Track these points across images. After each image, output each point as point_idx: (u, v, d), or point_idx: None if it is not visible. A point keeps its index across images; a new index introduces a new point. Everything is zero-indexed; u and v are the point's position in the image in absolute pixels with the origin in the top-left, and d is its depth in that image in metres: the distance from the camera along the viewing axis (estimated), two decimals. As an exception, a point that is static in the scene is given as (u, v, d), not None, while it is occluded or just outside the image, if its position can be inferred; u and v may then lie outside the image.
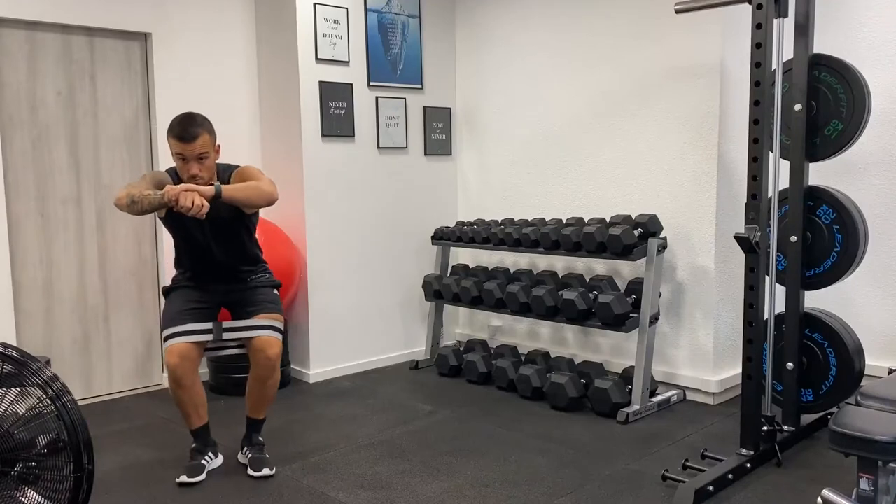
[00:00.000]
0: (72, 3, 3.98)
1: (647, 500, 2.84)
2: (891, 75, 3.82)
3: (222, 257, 3.17)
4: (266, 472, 3.13)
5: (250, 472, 3.15)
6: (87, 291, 4.22)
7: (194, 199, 2.75)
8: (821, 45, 3.31)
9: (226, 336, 3.16)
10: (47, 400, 2.16)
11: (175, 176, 3.07)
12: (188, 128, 2.93)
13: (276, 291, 3.34)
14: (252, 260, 3.28)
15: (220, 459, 3.27)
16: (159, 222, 4.34)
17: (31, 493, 2.17)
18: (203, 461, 3.16)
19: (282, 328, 3.20)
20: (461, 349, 4.69)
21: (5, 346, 2.22)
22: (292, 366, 4.60)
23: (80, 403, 2.30)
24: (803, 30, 3.19)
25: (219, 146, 3.08)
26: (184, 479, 3.07)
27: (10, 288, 3.90)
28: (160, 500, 2.94)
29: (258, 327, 3.13)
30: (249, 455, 3.23)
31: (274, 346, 3.11)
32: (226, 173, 3.12)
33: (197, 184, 2.89)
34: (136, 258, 4.38)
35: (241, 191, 2.94)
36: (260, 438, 3.30)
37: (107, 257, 4.28)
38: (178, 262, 3.28)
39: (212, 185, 2.88)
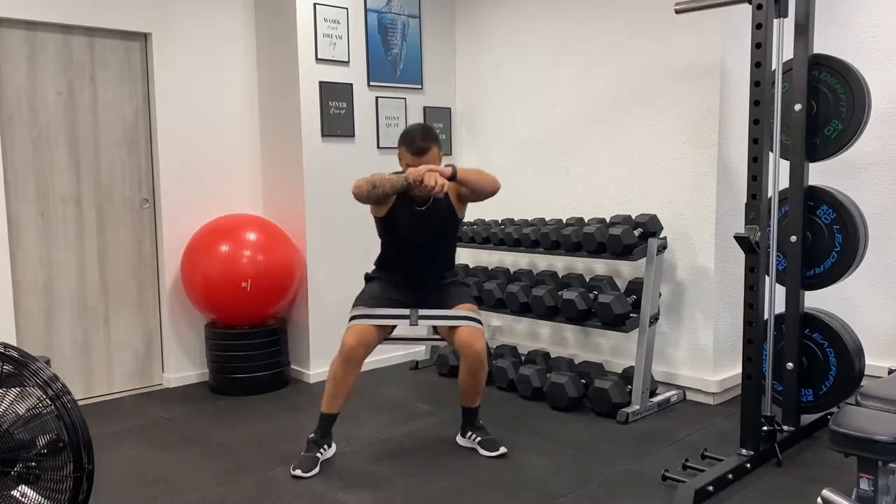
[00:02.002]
0: (72, 3, 3.98)
1: (647, 500, 2.84)
2: (891, 75, 3.82)
3: (429, 259, 3.33)
4: (502, 450, 3.26)
5: (484, 452, 3.28)
6: (87, 291, 4.22)
7: (437, 177, 2.97)
8: (821, 45, 3.31)
9: (422, 323, 3.27)
10: (47, 400, 2.15)
11: None
12: (422, 141, 3.15)
13: (468, 288, 3.54)
14: (450, 265, 3.46)
15: (332, 450, 3.32)
16: (159, 222, 4.38)
17: (31, 493, 2.17)
18: (318, 454, 3.22)
19: (480, 319, 3.29)
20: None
21: (5, 346, 2.22)
22: (292, 366, 4.60)
23: (80, 403, 2.30)
24: (803, 30, 3.19)
25: (441, 155, 3.25)
26: (298, 472, 3.11)
27: (10, 288, 3.90)
28: (160, 499, 2.94)
29: (460, 317, 3.23)
30: (478, 439, 3.34)
31: (480, 339, 3.20)
32: None
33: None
34: (136, 258, 4.38)
35: (472, 174, 3.17)
36: (480, 422, 3.41)
37: (107, 257, 4.28)
38: (381, 263, 3.43)
39: (449, 167, 3.07)
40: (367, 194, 3.07)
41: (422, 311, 3.25)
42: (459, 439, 3.42)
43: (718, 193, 3.84)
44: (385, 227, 3.30)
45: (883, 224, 3.87)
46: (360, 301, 3.28)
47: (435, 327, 3.39)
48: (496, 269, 4.61)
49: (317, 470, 3.15)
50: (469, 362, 3.21)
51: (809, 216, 3.30)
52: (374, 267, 3.46)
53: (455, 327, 3.21)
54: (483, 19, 4.92)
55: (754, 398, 3.10)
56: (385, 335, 3.28)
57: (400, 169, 3.22)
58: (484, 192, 3.20)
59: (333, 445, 3.33)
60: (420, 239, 3.26)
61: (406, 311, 3.24)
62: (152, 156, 4.40)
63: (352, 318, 3.21)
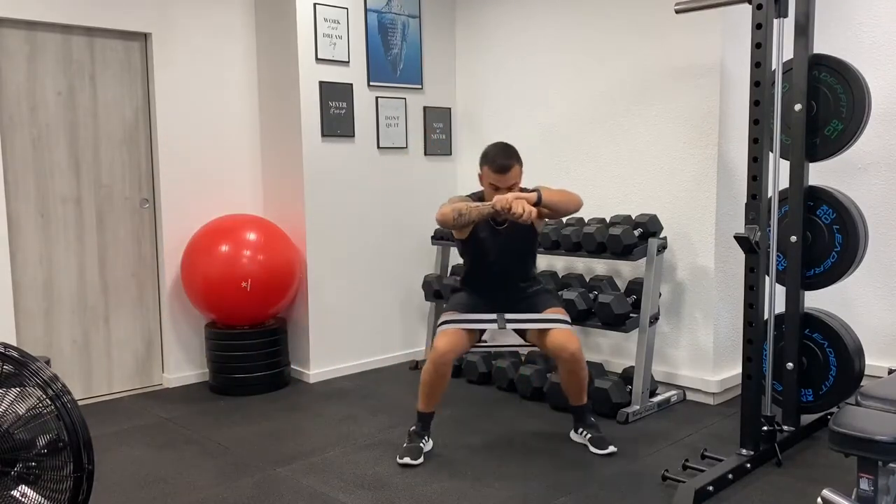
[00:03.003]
0: (72, 3, 3.98)
1: (647, 500, 2.84)
2: (891, 75, 3.82)
3: (511, 274, 3.41)
4: (611, 448, 3.28)
5: (593, 450, 3.30)
6: (87, 291, 4.22)
7: (524, 205, 3.02)
8: (821, 45, 3.31)
9: (510, 326, 3.31)
10: (47, 400, 2.15)
11: (479, 201, 3.29)
12: (505, 160, 3.21)
13: (553, 293, 3.62)
14: (531, 275, 3.53)
15: (430, 444, 3.37)
16: (159, 222, 4.38)
17: (31, 493, 2.17)
18: (421, 444, 3.30)
19: (570, 321, 3.36)
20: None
21: (5, 346, 2.22)
22: (292, 366, 4.60)
23: (80, 403, 2.30)
24: (803, 30, 3.19)
25: (522, 172, 3.30)
26: (407, 460, 3.21)
27: (10, 288, 3.90)
28: (160, 499, 2.94)
29: (550, 320, 3.28)
30: (588, 436, 3.36)
31: (573, 340, 3.24)
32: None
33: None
34: (136, 258, 4.38)
35: (556, 195, 3.22)
36: (592, 419, 3.44)
37: (107, 257, 4.28)
38: (465, 279, 3.53)
39: (534, 192, 3.13)
40: (454, 222, 3.16)
41: (509, 315, 3.31)
42: (572, 435, 3.46)
43: (718, 193, 3.84)
44: (467, 248, 3.40)
45: (883, 224, 3.87)
46: (450, 308, 3.40)
47: (524, 335, 3.42)
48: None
49: (421, 460, 3.23)
50: (566, 364, 3.26)
51: (809, 216, 3.30)
52: (459, 281, 3.59)
53: (545, 331, 3.26)
54: (483, 19, 4.92)
55: (754, 398, 3.10)
56: (474, 341, 3.36)
57: (480, 188, 3.34)
58: (567, 212, 3.30)
59: (431, 440, 3.39)
60: (501, 255, 3.35)
61: (493, 316, 3.31)
62: (152, 156, 4.40)
63: (441, 324, 3.29)
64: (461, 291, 3.52)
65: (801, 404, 3.40)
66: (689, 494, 2.73)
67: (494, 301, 3.38)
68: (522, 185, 3.30)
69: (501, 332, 3.38)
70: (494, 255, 3.34)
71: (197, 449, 3.48)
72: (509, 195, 3.09)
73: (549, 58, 4.54)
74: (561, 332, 3.24)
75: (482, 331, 3.38)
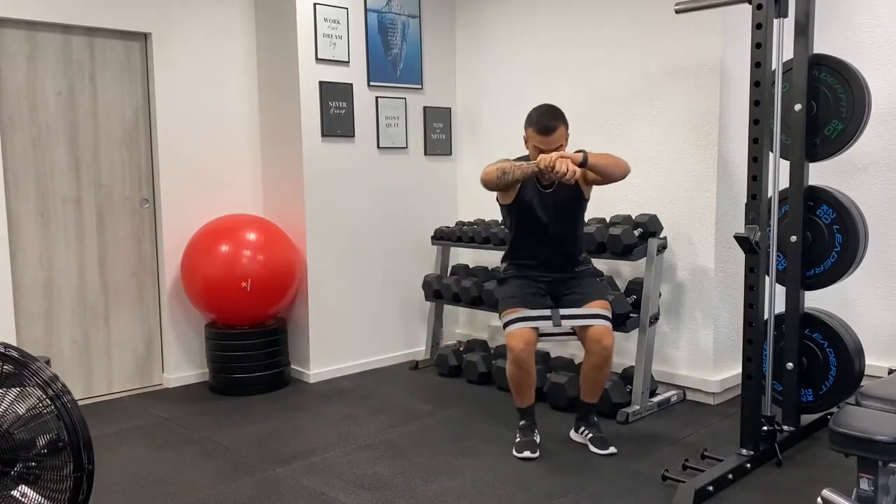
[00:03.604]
0: (72, 3, 3.98)
1: (647, 500, 2.84)
2: (891, 75, 3.81)
3: (559, 242, 3.35)
4: (612, 450, 3.27)
5: (594, 450, 3.29)
6: (87, 291, 4.22)
7: (568, 164, 2.99)
8: (821, 45, 3.31)
9: (564, 323, 3.30)
10: (47, 400, 2.15)
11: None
12: (549, 121, 3.19)
13: (601, 280, 3.58)
14: (580, 248, 3.48)
15: (539, 436, 3.38)
16: (159, 222, 4.38)
17: (31, 493, 2.17)
18: (535, 437, 3.32)
19: (611, 316, 3.34)
20: (461, 349, 4.69)
21: (5, 346, 2.22)
22: (292, 366, 4.60)
23: (80, 403, 2.30)
24: (803, 30, 3.19)
25: (568, 134, 3.27)
26: (527, 454, 3.24)
27: (10, 288, 3.90)
28: (160, 499, 2.94)
29: (592, 316, 3.27)
30: (590, 435, 3.35)
31: (608, 336, 3.24)
32: None
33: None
34: (136, 258, 4.38)
35: (603, 158, 3.17)
36: (595, 419, 3.43)
37: (107, 257, 4.28)
38: (512, 253, 3.46)
39: (580, 152, 3.09)
40: (498, 181, 3.14)
41: (562, 311, 3.31)
42: (572, 434, 3.45)
43: (718, 193, 3.84)
44: (513, 212, 3.35)
45: (883, 224, 3.87)
46: (510, 304, 3.33)
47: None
48: (496, 269, 4.61)
49: (538, 453, 3.25)
50: (595, 357, 3.25)
51: (809, 216, 3.30)
52: (504, 263, 3.51)
53: (588, 325, 3.27)
54: (483, 19, 4.92)
55: (754, 398, 3.10)
56: (538, 329, 3.34)
57: (526, 152, 3.29)
58: (614, 176, 3.22)
59: (538, 432, 3.40)
60: (548, 221, 3.30)
61: (548, 312, 3.30)
62: (152, 156, 4.40)
63: (509, 323, 3.26)
64: (511, 279, 3.43)
65: (801, 404, 3.40)
66: (689, 494, 2.73)
67: (545, 286, 3.35)
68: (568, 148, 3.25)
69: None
70: (541, 218, 3.28)
71: (197, 449, 3.48)
72: (553, 154, 3.05)
73: (549, 57, 4.54)
74: (602, 328, 3.24)
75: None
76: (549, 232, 3.32)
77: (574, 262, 3.42)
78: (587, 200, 3.40)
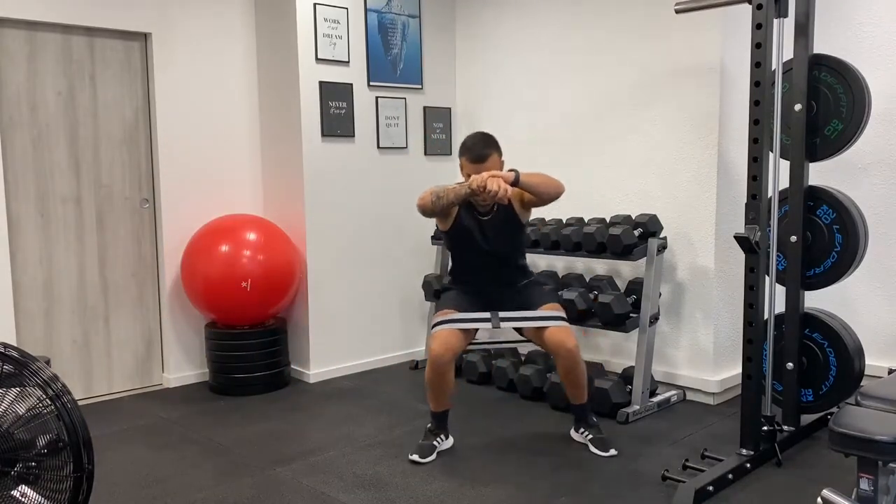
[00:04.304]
0: (72, 3, 3.98)
1: (647, 500, 2.84)
2: (891, 75, 3.82)
3: (498, 267, 3.35)
4: (612, 452, 3.25)
5: (594, 450, 3.28)
6: (87, 291, 4.22)
7: (499, 182, 3.00)
8: (821, 45, 3.31)
9: (504, 325, 3.28)
10: (47, 400, 2.15)
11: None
12: (482, 149, 3.20)
13: (549, 287, 3.53)
14: (521, 270, 3.45)
15: (450, 441, 3.37)
16: (159, 222, 4.38)
17: (31, 493, 2.17)
18: (435, 442, 3.30)
19: (566, 317, 3.31)
20: (461, 349, 4.68)
21: (5, 346, 2.22)
22: (292, 366, 4.60)
23: (80, 403, 2.30)
24: (803, 30, 3.19)
25: (503, 161, 3.28)
26: (415, 458, 3.22)
27: (10, 288, 3.90)
28: (160, 499, 2.94)
29: (547, 318, 3.24)
30: (589, 436, 3.34)
31: (570, 336, 3.21)
32: None
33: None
34: (136, 258, 4.38)
35: (536, 177, 3.17)
36: (594, 419, 3.41)
37: (107, 257, 4.28)
38: (453, 274, 3.49)
39: (512, 171, 3.10)
40: (433, 205, 3.14)
41: (502, 314, 3.27)
42: (573, 433, 3.44)
43: (718, 193, 3.84)
44: (453, 239, 3.35)
45: (883, 224, 3.87)
46: (441, 307, 3.34)
47: (520, 330, 3.41)
48: (496, 269, 4.61)
49: (433, 457, 3.23)
50: (563, 361, 3.23)
51: (809, 216, 3.30)
52: (448, 278, 3.52)
53: (542, 328, 3.24)
54: (483, 19, 4.92)
55: (754, 398, 3.10)
56: (470, 339, 3.33)
57: (462, 179, 3.26)
58: (548, 195, 3.19)
59: (451, 438, 3.39)
60: (487, 248, 3.30)
61: (487, 315, 3.27)
62: (152, 156, 4.39)
63: (435, 325, 3.25)
64: (451, 290, 3.45)
65: (801, 404, 3.40)
66: (689, 494, 2.73)
67: (486, 297, 3.34)
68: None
69: (498, 329, 3.35)
70: (480, 245, 3.29)
71: (197, 449, 3.48)
72: (484, 173, 3.05)
73: (549, 57, 4.54)
74: (558, 330, 3.21)
75: (477, 328, 3.36)
76: (488, 257, 3.32)
77: (517, 281, 3.41)
78: (525, 225, 3.40)
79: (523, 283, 3.41)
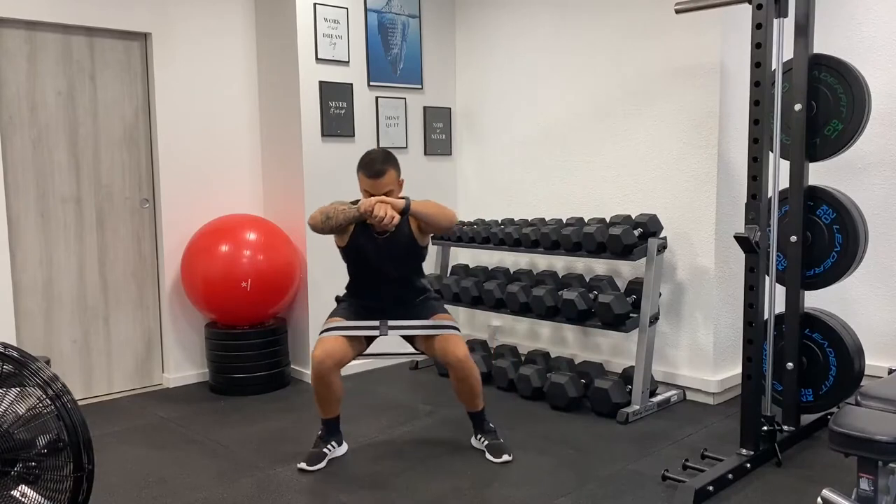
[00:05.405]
0: (72, 3, 3.98)
1: (647, 500, 2.84)
2: (891, 75, 3.82)
3: (391, 286, 3.30)
4: (505, 458, 3.22)
5: (490, 457, 3.25)
6: (87, 291, 4.22)
7: (387, 209, 3.00)
8: (821, 45, 3.32)
9: (393, 333, 3.26)
10: (47, 400, 2.15)
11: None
12: (378, 166, 3.15)
13: (441, 302, 3.48)
14: (419, 290, 3.40)
15: (343, 448, 3.35)
16: (159, 222, 4.38)
17: (31, 493, 2.17)
18: (325, 450, 3.26)
19: (458, 327, 3.29)
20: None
21: (5, 346, 2.22)
22: (292, 366, 4.60)
23: (80, 403, 2.30)
24: (803, 30, 3.19)
25: (402, 181, 3.26)
26: (303, 465, 3.17)
27: (10, 288, 3.90)
28: (160, 499, 2.94)
29: (437, 326, 3.23)
30: (486, 442, 3.32)
31: (460, 345, 3.19)
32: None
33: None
34: (136, 258, 4.38)
35: (427, 207, 3.16)
36: (490, 425, 3.38)
37: (107, 257, 4.28)
38: (349, 288, 3.43)
39: (403, 199, 3.10)
40: (322, 224, 3.11)
41: (392, 322, 3.25)
42: (473, 441, 3.42)
43: (718, 193, 3.84)
44: (349, 255, 3.31)
45: (883, 224, 3.87)
46: (331, 315, 3.32)
47: (412, 342, 3.39)
48: (496, 269, 4.61)
49: (322, 465, 3.19)
50: (454, 369, 3.20)
51: (809, 216, 3.30)
52: (344, 293, 3.48)
53: (432, 337, 3.22)
54: (483, 19, 4.92)
55: (754, 398, 3.10)
56: (359, 349, 3.29)
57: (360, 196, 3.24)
58: (438, 225, 3.19)
59: (344, 445, 3.36)
60: (383, 267, 3.26)
61: (375, 323, 3.25)
62: (152, 156, 4.40)
63: (321, 332, 3.23)
64: (345, 301, 3.41)
65: (801, 404, 3.40)
66: (689, 494, 2.73)
67: (378, 311, 3.30)
68: (404, 193, 3.23)
69: (389, 339, 3.31)
70: (374, 264, 3.25)
71: (197, 449, 3.48)
72: (373, 198, 3.05)
73: (549, 57, 4.54)
74: (447, 338, 3.19)
75: (370, 339, 3.32)
76: (383, 275, 3.28)
77: (412, 299, 3.36)
78: (424, 247, 3.34)
79: (419, 300, 3.37)
